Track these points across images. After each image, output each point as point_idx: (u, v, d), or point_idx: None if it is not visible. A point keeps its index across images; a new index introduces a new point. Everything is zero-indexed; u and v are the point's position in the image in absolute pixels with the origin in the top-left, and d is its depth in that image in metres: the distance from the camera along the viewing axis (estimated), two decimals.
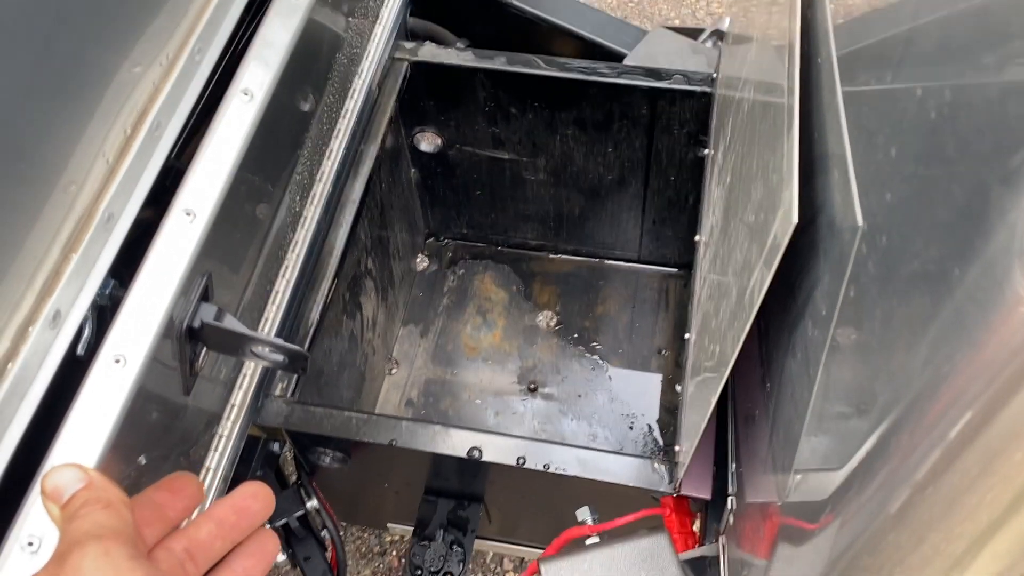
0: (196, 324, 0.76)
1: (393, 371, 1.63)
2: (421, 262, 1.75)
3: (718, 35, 1.50)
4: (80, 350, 0.67)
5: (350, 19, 1.17)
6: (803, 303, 0.65)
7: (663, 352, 1.63)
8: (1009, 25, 0.33)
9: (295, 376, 1.13)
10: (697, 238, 1.18)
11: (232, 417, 1.04)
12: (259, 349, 0.81)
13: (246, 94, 0.78)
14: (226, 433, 1.03)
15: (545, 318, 1.69)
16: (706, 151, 1.28)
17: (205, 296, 0.78)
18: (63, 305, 0.65)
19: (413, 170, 1.59)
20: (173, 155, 0.75)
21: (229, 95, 0.78)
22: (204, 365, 0.83)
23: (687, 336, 1.09)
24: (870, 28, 0.59)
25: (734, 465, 0.97)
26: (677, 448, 1.02)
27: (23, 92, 0.59)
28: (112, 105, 0.66)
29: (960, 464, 0.41)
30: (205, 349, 0.81)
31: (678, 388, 1.57)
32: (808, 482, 0.73)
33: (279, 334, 1.12)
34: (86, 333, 0.68)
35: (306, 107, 1.05)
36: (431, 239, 1.78)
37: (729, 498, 0.96)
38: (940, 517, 0.46)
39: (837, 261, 0.57)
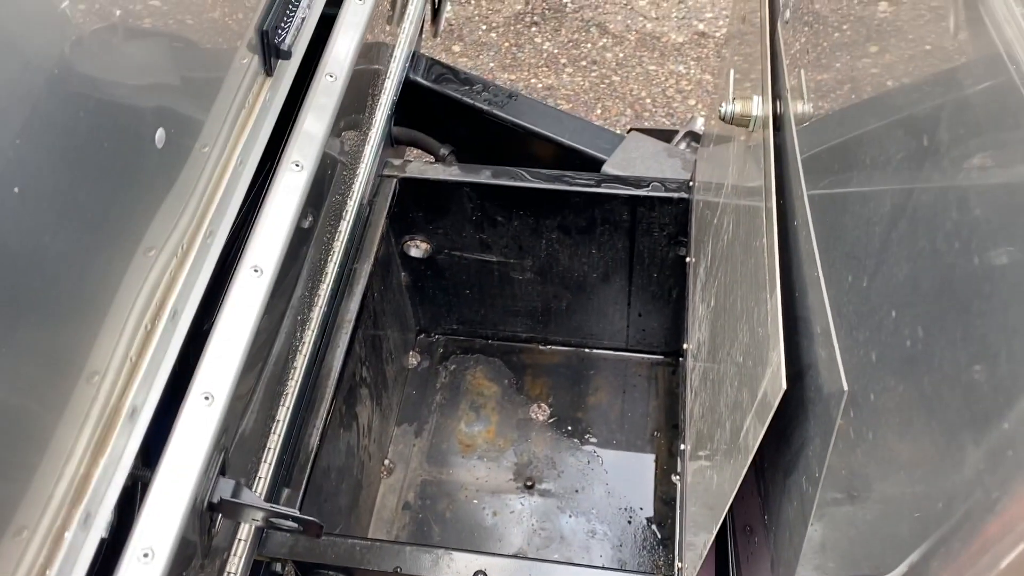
0: (215, 500, 0.78)
1: (389, 474, 1.64)
2: (413, 359, 1.77)
3: (691, 136, 1.56)
4: (104, 534, 0.69)
5: (344, 143, 1.21)
6: (796, 455, 0.68)
7: (656, 435, 1.65)
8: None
9: (297, 501, 1.14)
10: (685, 346, 1.22)
11: (239, 552, 1.05)
12: (275, 519, 0.83)
13: (256, 271, 0.81)
14: (234, 569, 1.04)
15: (538, 410, 1.71)
16: (688, 259, 1.33)
17: (223, 470, 0.80)
18: (93, 507, 0.66)
19: (403, 274, 1.63)
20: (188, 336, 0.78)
21: (240, 273, 0.81)
22: (219, 531, 0.84)
23: (682, 447, 1.12)
24: (844, 176, 0.63)
25: None
26: (679, 565, 1.04)
27: (47, 277, 0.61)
28: (130, 291, 0.68)
29: None
30: (221, 517, 0.83)
31: (675, 479, 1.59)
32: None
33: (280, 462, 1.14)
34: (110, 518, 0.70)
35: (308, 227, 1.08)
36: (422, 335, 1.81)
37: None
38: None
39: (825, 426, 0.60)
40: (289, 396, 1.16)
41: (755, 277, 0.77)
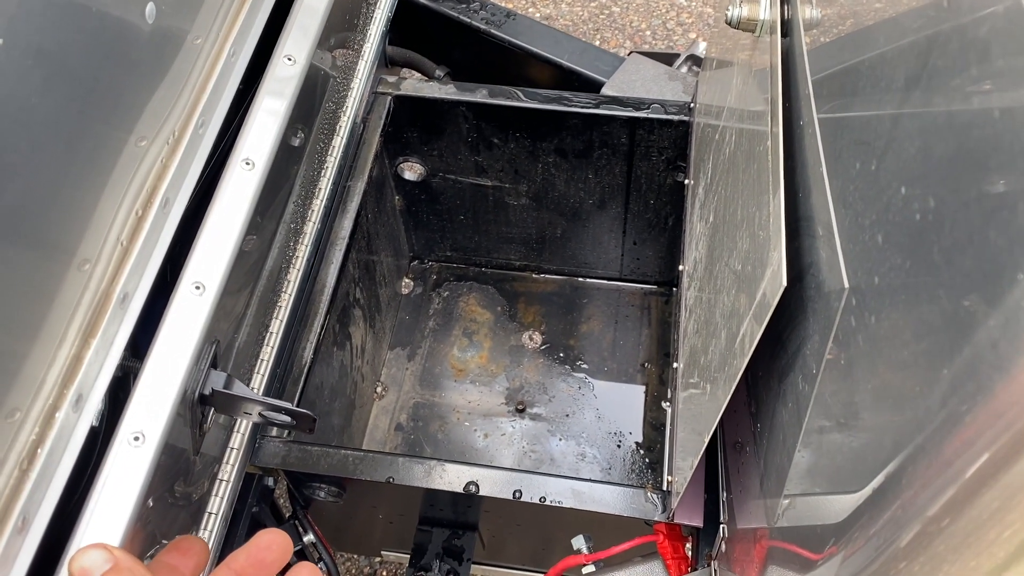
0: (207, 391, 0.77)
1: (382, 396, 1.65)
2: (406, 285, 1.77)
3: (693, 60, 1.53)
4: (94, 421, 0.69)
5: (336, 59, 1.19)
6: (793, 356, 0.68)
7: (647, 366, 1.66)
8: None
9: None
10: (680, 267, 1.21)
11: (232, 461, 1.05)
12: (267, 412, 0.83)
13: (248, 164, 0.79)
14: (226, 476, 1.04)
15: (531, 338, 1.71)
16: (686, 181, 1.31)
17: (214, 363, 0.79)
18: (84, 389, 0.66)
19: (397, 197, 1.61)
20: (180, 229, 0.76)
21: (231, 166, 0.80)
22: (211, 425, 0.84)
23: (675, 365, 1.12)
24: (849, 100, 0.62)
25: (724, 493, 1.01)
26: (669, 478, 1.05)
27: (39, 166, 0.60)
28: (121, 180, 0.67)
29: (976, 502, 0.42)
30: (213, 411, 0.83)
31: (665, 405, 1.61)
32: (802, 510, 0.76)
33: (274, 373, 1.14)
34: (101, 406, 0.69)
35: (297, 150, 1.07)
36: (415, 262, 1.80)
37: (721, 526, 0.99)
38: (956, 549, 0.47)
39: (825, 323, 0.60)
40: (283, 309, 1.15)
41: (758, 182, 0.76)
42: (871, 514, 0.58)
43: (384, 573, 2.00)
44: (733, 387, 0.74)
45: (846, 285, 0.56)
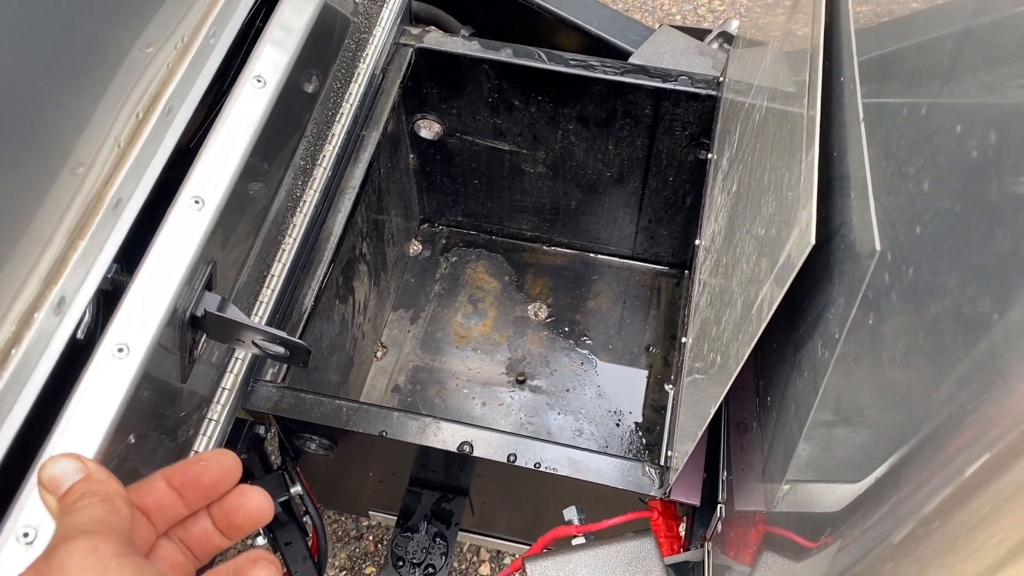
0: (199, 313, 0.74)
1: (381, 356, 1.62)
2: (414, 248, 1.74)
3: (725, 37, 1.49)
4: (80, 334, 0.66)
5: (358, 2, 1.15)
6: (814, 323, 0.65)
7: (652, 349, 1.63)
8: None
9: None
10: (697, 242, 1.18)
11: (222, 401, 1.03)
12: (261, 341, 0.80)
13: (259, 81, 0.76)
14: (216, 417, 1.02)
15: (536, 310, 1.68)
16: (709, 155, 1.28)
17: (209, 285, 0.76)
18: (68, 292, 0.63)
19: (412, 156, 1.58)
20: (183, 139, 0.73)
21: (242, 81, 0.77)
22: (202, 352, 0.81)
23: (683, 340, 1.09)
24: (901, 46, 0.58)
25: (725, 473, 0.98)
26: (669, 453, 1.02)
27: (34, 69, 0.57)
28: (124, 86, 0.64)
29: (972, 503, 0.41)
30: (205, 337, 0.80)
31: (668, 388, 1.58)
32: (802, 497, 0.73)
33: (273, 318, 1.11)
34: (86, 318, 0.66)
35: (313, 92, 1.03)
36: (425, 225, 1.77)
37: (719, 506, 0.96)
38: (943, 552, 0.46)
39: (852, 285, 0.57)
40: (286, 253, 1.12)
41: (790, 142, 0.72)
42: (869, 507, 0.55)
43: (371, 537, 1.98)
44: (746, 355, 0.71)
45: (877, 247, 0.53)
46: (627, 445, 1.52)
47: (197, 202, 0.72)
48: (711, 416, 0.81)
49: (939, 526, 0.45)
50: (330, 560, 1.95)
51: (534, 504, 1.29)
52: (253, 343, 0.81)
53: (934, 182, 0.44)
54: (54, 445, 0.62)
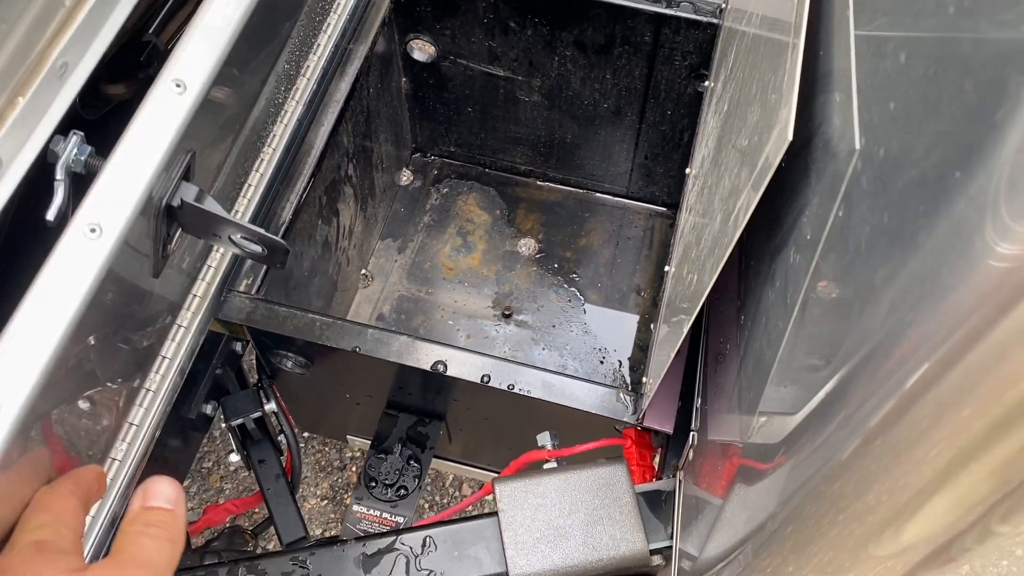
0: (175, 203, 0.72)
1: (367, 284, 1.60)
2: (405, 177, 1.71)
3: None
4: (50, 216, 0.64)
5: None
6: (788, 229, 0.63)
7: (642, 292, 1.61)
8: None
9: (262, 273, 1.10)
10: (688, 171, 1.15)
11: (193, 308, 1.01)
12: (238, 237, 0.77)
13: None
14: (185, 324, 1.00)
15: (526, 245, 1.66)
16: (707, 84, 1.24)
17: (187, 175, 0.74)
18: (5, 154, 0.60)
19: (404, 79, 1.54)
20: (148, 18, 0.70)
21: None
22: (176, 247, 0.79)
23: (667, 269, 1.07)
24: None
25: (699, 401, 0.96)
26: (644, 379, 1.00)
27: None
28: None
29: (911, 416, 0.40)
30: (180, 231, 0.77)
31: (654, 327, 1.56)
32: (769, 424, 0.72)
33: None
34: (59, 200, 0.64)
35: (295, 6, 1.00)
36: (417, 154, 1.73)
37: (691, 433, 0.95)
38: (886, 468, 0.45)
39: (830, 183, 0.54)
40: (265, 163, 1.10)
41: (777, 47, 0.69)
42: (818, 424, 0.54)
43: (354, 468, 1.99)
44: (719, 267, 0.68)
45: (857, 146, 0.50)
46: (609, 381, 1.50)
47: (179, 85, 0.69)
48: (684, 335, 0.78)
49: (882, 441, 0.44)
50: (312, 490, 1.96)
51: (511, 432, 1.28)
52: (230, 239, 0.78)
53: (911, 52, 0.41)
54: (19, 322, 0.60)
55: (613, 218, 1.68)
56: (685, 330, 0.78)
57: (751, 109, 0.74)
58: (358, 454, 2.00)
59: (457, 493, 1.98)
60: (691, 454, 0.95)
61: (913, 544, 0.52)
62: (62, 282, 0.65)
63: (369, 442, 1.36)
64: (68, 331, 0.64)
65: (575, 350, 1.54)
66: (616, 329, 1.57)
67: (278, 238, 0.80)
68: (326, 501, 1.95)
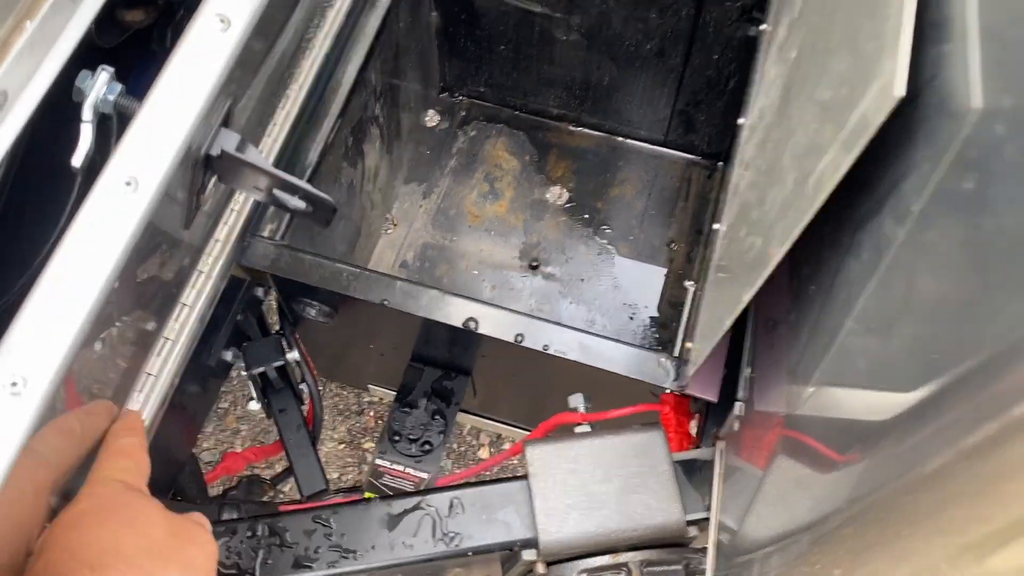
0: (215, 152, 0.66)
1: (390, 230, 1.54)
2: (432, 118, 1.63)
3: None
4: (76, 162, 0.58)
5: None
6: (883, 196, 0.56)
7: (674, 245, 1.54)
8: None
9: (287, 218, 1.04)
10: (741, 120, 1.07)
11: (214, 254, 0.96)
12: (280, 192, 0.71)
13: None
14: (207, 270, 0.95)
15: (556, 193, 1.59)
16: (762, 27, 1.15)
17: (226, 122, 0.67)
18: (12, 85, 0.54)
19: (434, 14, 1.45)
20: None
21: None
22: (210, 198, 0.73)
23: (715, 227, 1.00)
24: None
25: (749, 370, 0.91)
26: (689, 345, 0.95)
27: None
28: None
29: (1019, 444, 0.35)
30: (215, 180, 0.71)
31: (687, 284, 1.50)
32: (842, 409, 0.67)
33: None
34: (86, 143, 0.58)
35: None
36: (445, 94, 1.65)
37: (738, 403, 0.90)
38: (979, 491, 0.41)
39: (944, 147, 0.48)
40: (291, 101, 1.03)
41: None
42: (906, 427, 0.49)
43: (371, 413, 1.96)
44: (796, 233, 0.62)
45: (978, 105, 0.44)
46: (640, 340, 1.46)
47: (223, 21, 0.62)
48: (744, 304, 0.73)
49: (978, 463, 0.39)
50: (329, 433, 1.94)
51: (538, 390, 1.23)
52: (271, 192, 0.72)
53: None
54: (53, 279, 0.55)
55: (648, 167, 1.61)
56: (746, 299, 0.73)
57: (835, 57, 0.67)
58: (376, 399, 1.97)
59: (475, 442, 1.95)
60: (736, 424, 0.90)
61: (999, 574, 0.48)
62: (97, 238, 0.59)
63: (391, 392, 1.32)
64: (104, 289, 0.59)
65: (604, 305, 1.49)
66: (647, 284, 1.51)
67: (325, 196, 0.74)
68: (343, 445, 1.93)
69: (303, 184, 0.72)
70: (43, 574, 0.54)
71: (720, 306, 0.86)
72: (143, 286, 0.82)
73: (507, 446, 1.95)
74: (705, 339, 0.88)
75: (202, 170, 0.70)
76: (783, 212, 0.68)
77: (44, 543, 0.57)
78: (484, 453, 1.93)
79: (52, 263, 0.58)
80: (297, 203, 0.75)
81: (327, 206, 0.75)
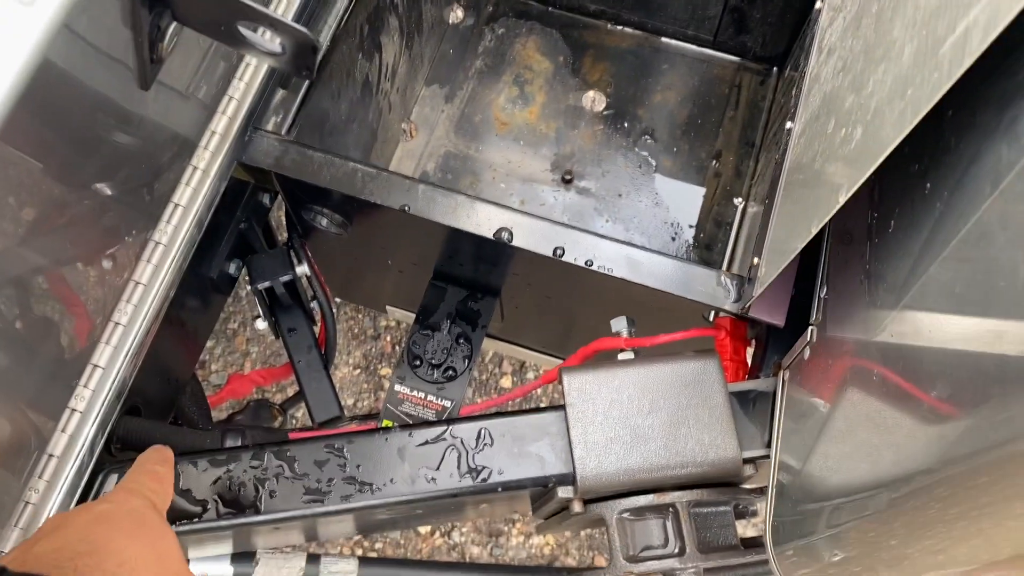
0: None
1: (409, 137, 1.41)
2: (455, 13, 1.48)
3: None
4: None
5: None
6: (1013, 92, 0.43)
7: (722, 158, 1.40)
8: None
9: (294, 109, 0.91)
10: (818, 5, 0.92)
11: (212, 147, 0.84)
12: (249, 30, 0.59)
13: None
14: (203, 166, 0.83)
15: (592, 99, 1.44)
16: None
17: None
18: None
19: None
20: None
21: None
22: (171, 49, 0.61)
23: (788, 126, 0.87)
24: None
25: (823, 290, 0.79)
26: (755, 261, 0.83)
27: None
28: None
29: None
30: (174, 24, 0.59)
31: (736, 201, 1.37)
32: (920, 327, 0.55)
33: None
34: None
35: None
36: None
37: (810, 328, 0.78)
38: None
39: None
40: None
41: None
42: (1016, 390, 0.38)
43: (388, 338, 1.86)
44: (924, 110, 0.49)
45: None
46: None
47: None
48: (841, 203, 0.60)
49: None
50: (344, 358, 1.85)
51: (572, 313, 1.12)
52: (238, 31, 0.60)
53: None
54: None
55: (694, 71, 1.45)
56: (843, 198, 0.60)
57: None
58: (393, 323, 1.87)
59: (497, 370, 1.86)
60: (807, 352, 0.79)
61: None
62: None
63: (410, 315, 1.21)
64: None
65: (643, 224, 1.36)
66: (691, 199, 1.38)
67: (302, 27, 0.61)
68: (359, 370, 1.85)
69: (274, 15, 0.59)
70: (52, 554, 0.55)
71: (798, 214, 0.74)
72: (115, 173, 0.70)
73: (531, 375, 1.85)
74: (778, 253, 0.76)
75: (148, 4, 0.57)
76: (897, 92, 0.55)
77: (64, 522, 0.59)
78: (506, 382, 1.84)
79: None
80: (270, 46, 0.62)
81: (307, 45, 0.63)
